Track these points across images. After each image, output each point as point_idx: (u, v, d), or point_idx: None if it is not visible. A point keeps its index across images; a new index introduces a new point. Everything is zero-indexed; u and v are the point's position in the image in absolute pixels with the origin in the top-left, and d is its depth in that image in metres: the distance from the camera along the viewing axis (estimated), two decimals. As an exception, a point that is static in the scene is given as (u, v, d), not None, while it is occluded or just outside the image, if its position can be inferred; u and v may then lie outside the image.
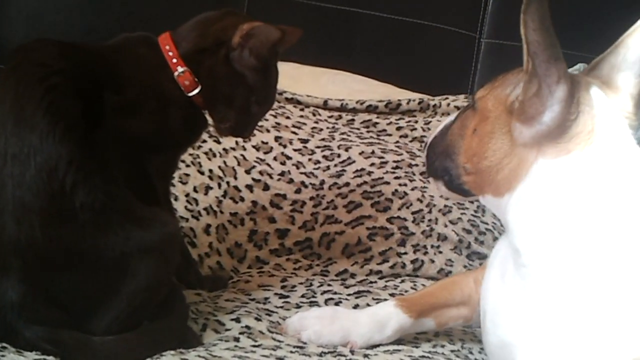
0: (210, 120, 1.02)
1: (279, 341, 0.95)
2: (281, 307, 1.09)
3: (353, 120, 1.62)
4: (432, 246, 1.35)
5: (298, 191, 1.37)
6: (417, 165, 1.49)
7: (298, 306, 1.10)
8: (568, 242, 0.76)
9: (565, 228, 0.76)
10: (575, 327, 0.75)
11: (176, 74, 0.95)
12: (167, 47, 0.95)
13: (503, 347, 0.84)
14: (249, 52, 0.96)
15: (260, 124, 1.46)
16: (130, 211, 0.86)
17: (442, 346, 1.01)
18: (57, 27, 1.67)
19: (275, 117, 1.48)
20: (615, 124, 0.80)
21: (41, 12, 1.70)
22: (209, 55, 0.97)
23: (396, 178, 1.44)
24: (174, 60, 0.95)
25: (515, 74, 0.84)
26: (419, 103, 1.70)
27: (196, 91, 0.96)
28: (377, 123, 1.63)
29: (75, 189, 0.80)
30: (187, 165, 1.31)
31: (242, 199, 1.32)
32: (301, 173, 1.40)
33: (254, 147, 1.40)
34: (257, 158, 1.39)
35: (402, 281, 1.28)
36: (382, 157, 1.48)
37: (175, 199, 1.24)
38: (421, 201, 1.40)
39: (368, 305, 1.09)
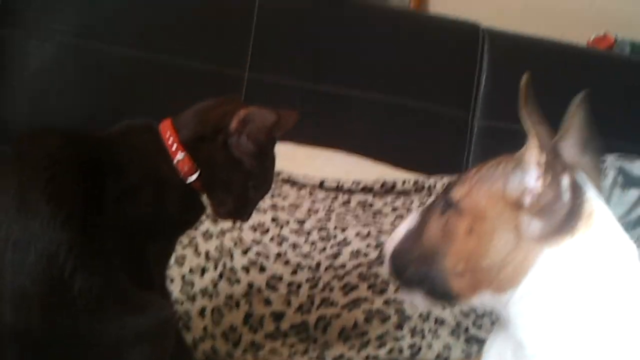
0: (207, 203, 1.03)
1: None
2: (277, 395, 1.07)
3: (349, 201, 1.63)
4: (429, 330, 1.34)
5: (294, 273, 1.36)
6: (413, 246, 1.49)
7: (294, 394, 1.08)
8: (576, 330, 0.75)
9: (573, 316, 0.76)
10: None
11: (176, 160, 0.96)
12: (168, 134, 0.97)
13: None
14: (247, 137, 0.97)
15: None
16: (126, 297, 0.86)
17: None
18: (60, 110, 1.71)
19: (272, 197, 1.49)
20: (602, 204, 0.80)
21: (44, 96, 1.73)
22: (208, 142, 0.98)
23: (392, 259, 1.43)
24: (174, 147, 0.96)
25: (491, 167, 0.83)
26: (414, 184, 1.71)
27: (195, 176, 0.97)
28: (372, 204, 1.64)
29: (74, 276, 0.80)
30: (184, 247, 1.31)
31: (237, 281, 1.31)
32: (297, 254, 1.40)
33: (250, 228, 1.40)
34: (254, 239, 1.39)
35: (400, 367, 1.26)
36: (378, 238, 1.48)
37: (172, 281, 1.23)
38: (418, 283, 1.39)
39: (365, 393, 1.07)
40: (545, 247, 0.77)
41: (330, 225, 1.49)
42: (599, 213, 0.79)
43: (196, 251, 1.32)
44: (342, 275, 1.38)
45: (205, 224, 1.37)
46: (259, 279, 1.33)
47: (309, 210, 1.52)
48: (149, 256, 0.95)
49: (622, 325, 0.74)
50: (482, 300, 0.82)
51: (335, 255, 1.42)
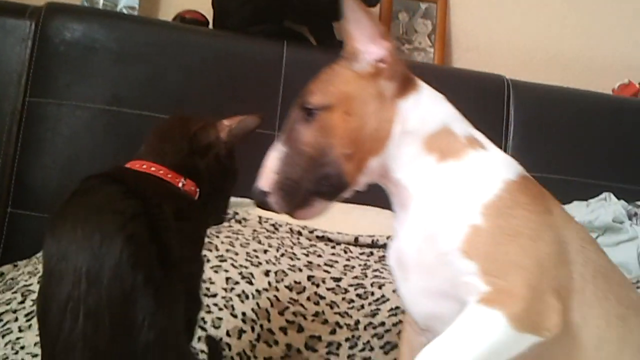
0: None
1: None
2: None
3: (384, 256, 1.60)
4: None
5: (333, 332, 1.33)
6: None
7: None
8: (433, 157, 0.94)
9: (429, 145, 0.95)
10: (443, 208, 0.91)
11: (180, 184, 0.97)
12: (153, 169, 0.97)
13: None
14: (224, 145, 1.04)
15: (292, 262, 1.45)
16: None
17: None
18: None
19: (307, 255, 1.47)
20: None
21: (74, 162, 1.75)
22: (199, 157, 1.01)
23: (432, 315, 1.39)
24: (169, 176, 0.97)
25: (327, 70, 0.97)
26: (450, 237, 1.68)
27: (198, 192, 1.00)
28: (408, 259, 1.61)
29: (147, 350, 0.79)
30: (220, 309, 1.28)
31: (276, 342, 1.28)
32: (335, 313, 1.37)
33: (286, 287, 1.38)
34: (290, 299, 1.36)
35: None
36: (417, 294, 1.44)
37: (209, 345, 1.20)
38: (461, 340, 1.34)
39: None
40: (399, 101, 0.95)
41: (367, 282, 1.46)
42: None
43: (232, 313, 1.29)
44: (382, 334, 1.34)
45: (241, 285, 1.34)
46: (298, 340, 1.29)
47: (345, 267, 1.49)
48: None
49: (464, 146, 0.96)
50: (371, 172, 0.95)
51: (374, 313, 1.38)
